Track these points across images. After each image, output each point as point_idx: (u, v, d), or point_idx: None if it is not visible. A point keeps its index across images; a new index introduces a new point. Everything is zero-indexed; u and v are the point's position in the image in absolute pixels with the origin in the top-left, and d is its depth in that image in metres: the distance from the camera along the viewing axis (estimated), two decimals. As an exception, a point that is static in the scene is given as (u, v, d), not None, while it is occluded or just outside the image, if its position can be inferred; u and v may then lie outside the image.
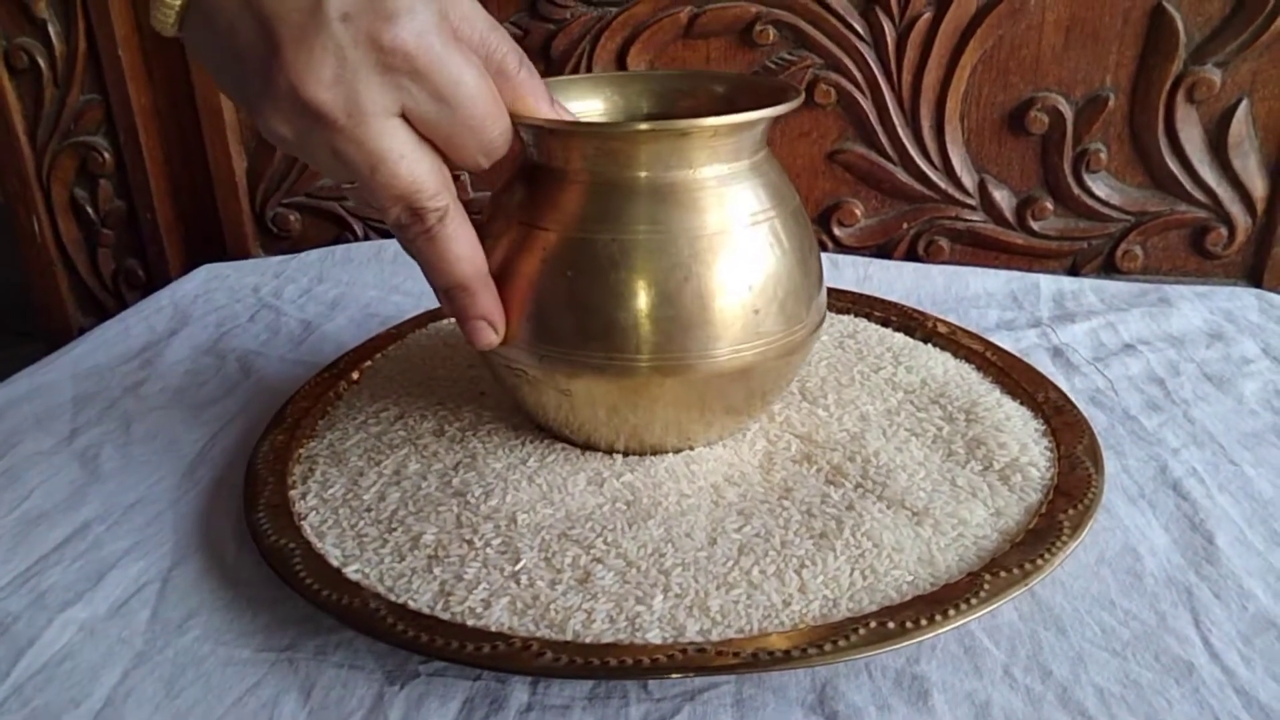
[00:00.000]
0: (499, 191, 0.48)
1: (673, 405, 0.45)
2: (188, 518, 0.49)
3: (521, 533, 0.43)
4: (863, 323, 0.65)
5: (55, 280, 0.89)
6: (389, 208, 0.39)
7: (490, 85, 0.38)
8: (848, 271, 0.77)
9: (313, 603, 0.39)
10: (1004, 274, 0.77)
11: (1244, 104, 0.72)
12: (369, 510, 0.45)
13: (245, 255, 0.87)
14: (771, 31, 0.75)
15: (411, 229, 0.40)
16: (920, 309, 0.66)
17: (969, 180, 0.78)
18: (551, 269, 0.43)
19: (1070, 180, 0.76)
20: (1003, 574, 0.39)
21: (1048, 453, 0.49)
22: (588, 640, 0.37)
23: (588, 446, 0.49)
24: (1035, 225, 0.78)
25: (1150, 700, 0.36)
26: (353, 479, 0.48)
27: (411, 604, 0.39)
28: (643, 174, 0.43)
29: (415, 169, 0.38)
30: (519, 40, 0.78)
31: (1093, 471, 0.46)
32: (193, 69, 0.81)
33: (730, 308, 0.43)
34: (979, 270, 0.77)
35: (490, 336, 0.44)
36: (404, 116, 0.37)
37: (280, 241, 0.88)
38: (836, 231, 0.81)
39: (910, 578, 0.40)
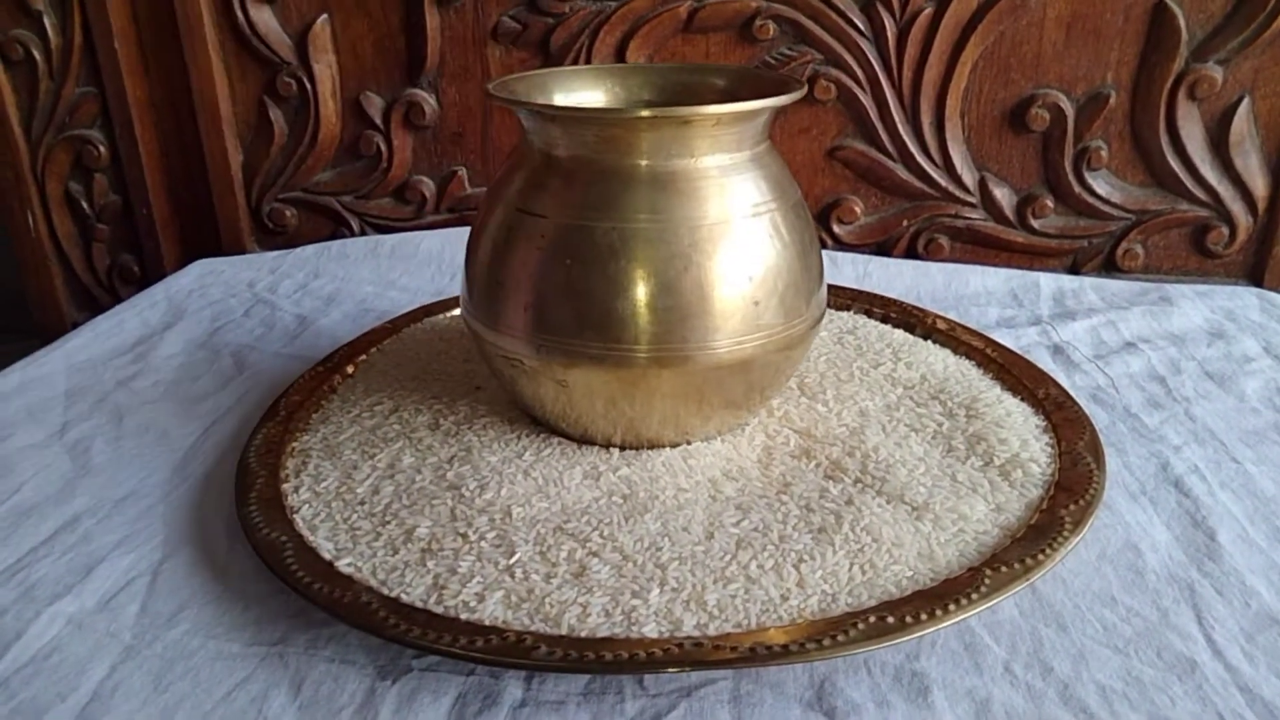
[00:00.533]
0: (498, 179, 0.47)
1: (671, 397, 0.45)
2: (179, 511, 0.48)
3: (516, 526, 0.42)
4: (862, 319, 0.65)
5: (49, 275, 0.88)
6: None
7: None
8: (847, 269, 0.77)
9: (304, 596, 0.39)
10: (1004, 272, 0.76)
11: (1245, 102, 0.72)
12: (362, 504, 0.45)
13: (241, 250, 0.86)
14: (772, 26, 0.75)
15: None
16: (920, 306, 0.66)
17: (969, 178, 0.77)
18: (550, 257, 0.43)
19: (1071, 178, 0.76)
20: (1003, 569, 0.39)
21: (1048, 449, 0.48)
22: (583, 634, 0.36)
23: (584, 440, 0.49)
24: (1035, 223, 0.78)
25: (1153, 697, 0.36)
26: (346, 472, 0.47)
27: (404, 598, 0.39)
28: (644, 162, 0.42)
29: None
30: (518, 34, 0.77)
31: (1094, 467, 0.46)
32: (189, 62, 0.81)
33: (730, 299, 0.43)
34: (979, 268, 0.77)
35: None
36: None
37: (276, 236, 0.87)
38: (836, 229, 0.80)
39: (910, 573, 0.40)
